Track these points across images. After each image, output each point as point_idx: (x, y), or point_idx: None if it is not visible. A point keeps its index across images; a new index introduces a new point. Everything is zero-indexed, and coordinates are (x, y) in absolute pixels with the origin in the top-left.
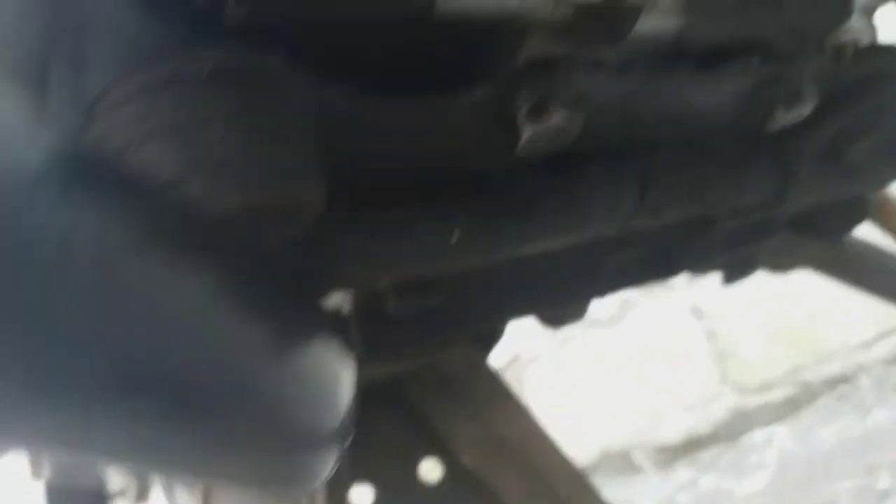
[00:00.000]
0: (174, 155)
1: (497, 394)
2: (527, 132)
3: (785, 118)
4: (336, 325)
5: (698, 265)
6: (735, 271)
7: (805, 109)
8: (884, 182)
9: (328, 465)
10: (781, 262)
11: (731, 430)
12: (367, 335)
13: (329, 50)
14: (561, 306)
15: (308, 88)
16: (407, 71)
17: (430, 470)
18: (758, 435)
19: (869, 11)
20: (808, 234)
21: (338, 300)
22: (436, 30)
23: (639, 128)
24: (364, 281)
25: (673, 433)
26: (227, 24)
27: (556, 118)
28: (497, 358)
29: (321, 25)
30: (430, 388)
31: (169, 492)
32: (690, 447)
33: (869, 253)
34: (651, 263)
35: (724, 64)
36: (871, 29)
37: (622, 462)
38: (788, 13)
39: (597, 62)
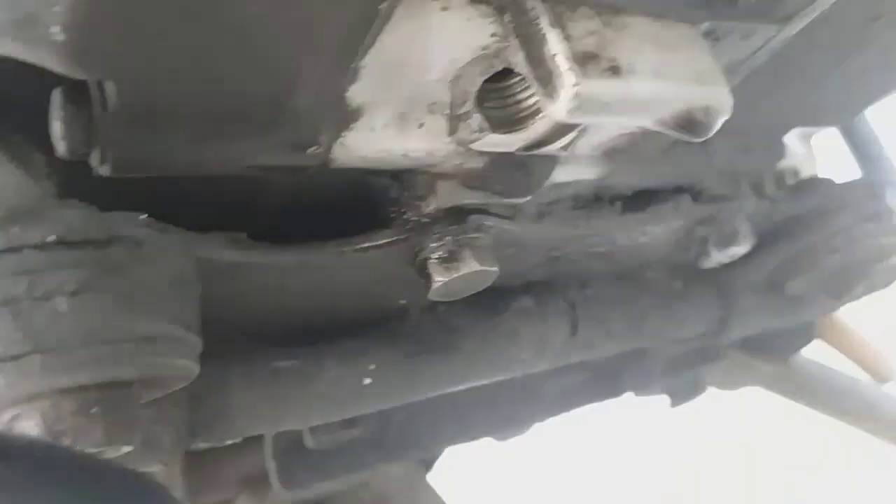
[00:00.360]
0: (9, 331)
1: None
2: (437, 283)
3: (720, 257)
4: None
5: (642, 389)
6: (681, 394)
7: (741, 249)
8: (824, 311)
9: None
10: (732, 382)
11: None
12: (283, 467)
13: (216, 200)
14: (500, 432)
15: (183, 244)
16: (307, 217)
17: None
18: None
19: (806, 138)
20: (756, 355)
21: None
22: (336, 178)
23: (566, 264)
24: (267, 430)
25: None
26: (95, 180)
27: (467, 269)
28: None
29: (205, 178)
30: None
31: None
32: None
33: (817, 371)
34: (594, 387)
35: (653, 206)
36: (811, 156)
37: None
38: (718, 159)
39: (510, 210)
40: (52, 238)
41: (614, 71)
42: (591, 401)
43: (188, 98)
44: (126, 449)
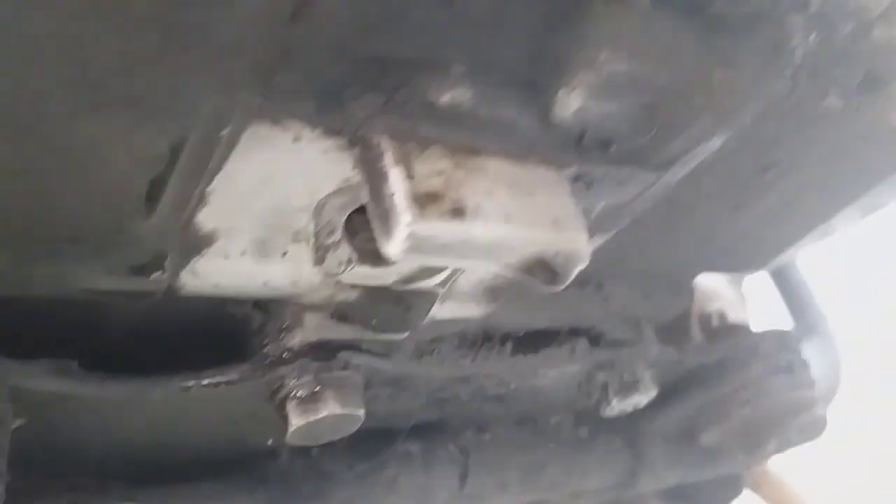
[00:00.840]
0: None
1: None
2: (293, 424)
3: (621, 405)
4: None
5: None
6: None
7: (642, 398)
8: (742, 464)
9: None
10: None
11: None
12: None
13: (51, 322)
14: None
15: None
16: (149, 343)
17: None
18: None
19: (737, 282)
20: None
21: None
22: (190, 305)
23: (458, 407)
24: None
25: None
26: None
27: (326, 412)
28: None
29: (38, 300)
30: None
31: None
32: None
33: None
34: None
35: (547, 348)
36: (740, 299)
37: None
38: (613, 303)
39: (387, 346)
40: None
41: (457, 213)
42: None
43: (14, 216)
44: None
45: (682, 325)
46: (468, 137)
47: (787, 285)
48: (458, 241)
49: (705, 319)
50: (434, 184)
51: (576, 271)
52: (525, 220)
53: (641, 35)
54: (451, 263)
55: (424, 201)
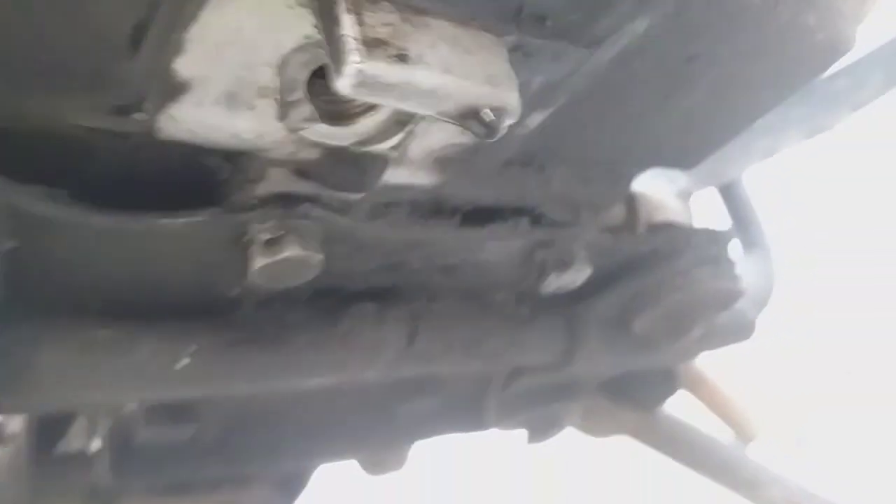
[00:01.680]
0: None
1: None
2: (257, 263)
3: (557, 282)
4: None
5: (500, 421)
6: (538, 430)
7: (577, 276)
8: (674, 357)
9: None
10: (597, 428)
11: None
12: (116, 466)
13: (38, 160)
14: (357, 453)
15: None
16: (129, 185)
17: None
18: None
19: (685, 195)
20: (621, 403)
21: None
22: (165, 153)
23: (407, 273)
24: (77, 399)
25: None
26: None
27: (289, 252)
28: None
29: (27, 136)
30: None
31: None
32: None
33: (679, 427)
34: (450, 415)
35: (491, 224)
36: (687, 212)
37: None
38: (554, 185)
39: (344, 205)
40: None
41: (401, 58)
42: (448, 430)
43: (11, 46)
44: None
45: (629, 229)
46: None
47: (732, 202)
48: (400, 83)
49: (654, 228)
50: (381, 32)
51: (505, 125)
52: (462, 74)
53: None
54: (393, 104)
55: (372, 45)
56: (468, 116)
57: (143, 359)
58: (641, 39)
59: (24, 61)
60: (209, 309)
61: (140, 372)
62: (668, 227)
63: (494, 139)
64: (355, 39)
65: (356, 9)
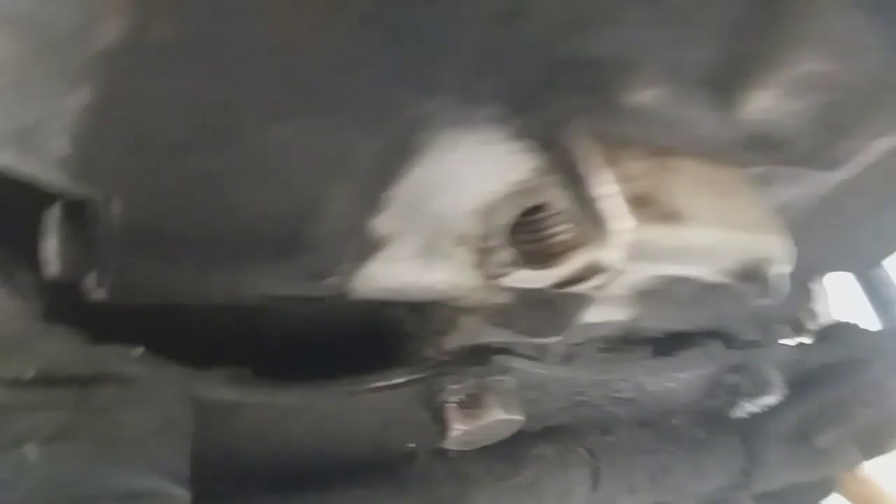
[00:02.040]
0: None
1: None
2: (455, 430)
3: (750, 407)
4: None
5: None
6: None
7: (772, 399)
8: (851, 465)
9: None
10: None
11: None
12: None
13: (218, 328)
14: None
15: (179, 382)
16: (312, 349)
17: None
18: None
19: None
20: None
21: None
22: (348, 310)
23: (589, 409)
24: None
25: None
26: (89, 303)
27: (490, 417)
28: None
29: (211, 306)
30: None
31: None
32: None
33: None
34: None
35: (684, 350)
36: (825, 296)
37: None
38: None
39: (539, 350)
40: (30, 373)
41: (673, 216)
42: None
43: (199, 222)
44: None
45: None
46: (663, 137)
47: (871, 283)
48: (675, 247)
49: (796, 318)
50: (642, 186)
51: (785, 275)
52: (735, 224)
53: (840, 33)
54: (668, 270)
55: (639, 205)
56: (745, 274)
57: None
58: (878, 157)
59: (213, 235)
60: (383, 466)
61: None
62: (849, 333)
63: (773, 298)
64: (621, 201)
65: (610, 161)
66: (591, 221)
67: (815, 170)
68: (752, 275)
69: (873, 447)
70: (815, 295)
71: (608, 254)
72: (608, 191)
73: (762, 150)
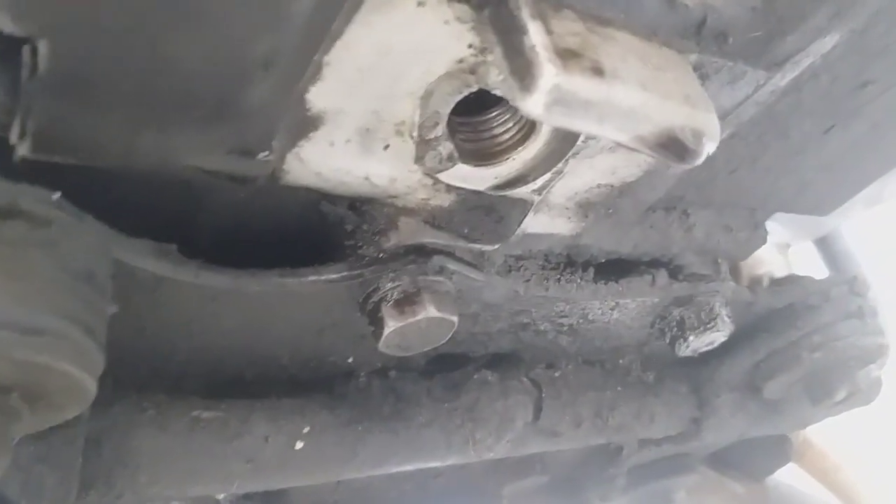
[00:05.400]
0: None
1: None
2: (389, 328)
3: (697, 343)
4: None
5: (608, 498)
6: None
7: (720, 335)
8: (804, 420)
9: None
10: (700, 500)
11: None
12: None
13: (148, 208)
14: None
15: (100, 238)
16: (249, 244)
17: None
18: None
19: (783, 248)
20: (729, 474)
21: None
22: (285, 202)
23: (533, 337)
24: (178, 491)
25: None
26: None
27: (424, 314)
28: None
29: (138, 181)
30: None
31: None
32: None
33: (792, 495)
34: (557, 492)
35: (628, 277)
36: (788, 266)
37: None
38: (697, 233)
39: (477, 258)
40: None
41: (597, 71)
42: None
43: (128, 71)
44: None
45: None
46: (599, 6)
47: (832, 254)
48: (598, 101)
49: (755, 281)
50: (571, 42)
51: (707, 151)
52: (660, 91)
53: None
54: (587, 126)
55: (565, 56)
56: (665, 142)
57: (255, 443)
58: (820, 62)
59: (141, 91)
60: (321, 381)
61: (251, 457)
62: (802, 280)
63: (693, 166)
64: (547, 49)
65: (542, 16)
66: (518, 73)
67: (753, 67)
68: (671, 144)
69: (822, 394)
70: (770, 260)
71: (531, 104)
72: (537, 41)
73: (697, 39)
